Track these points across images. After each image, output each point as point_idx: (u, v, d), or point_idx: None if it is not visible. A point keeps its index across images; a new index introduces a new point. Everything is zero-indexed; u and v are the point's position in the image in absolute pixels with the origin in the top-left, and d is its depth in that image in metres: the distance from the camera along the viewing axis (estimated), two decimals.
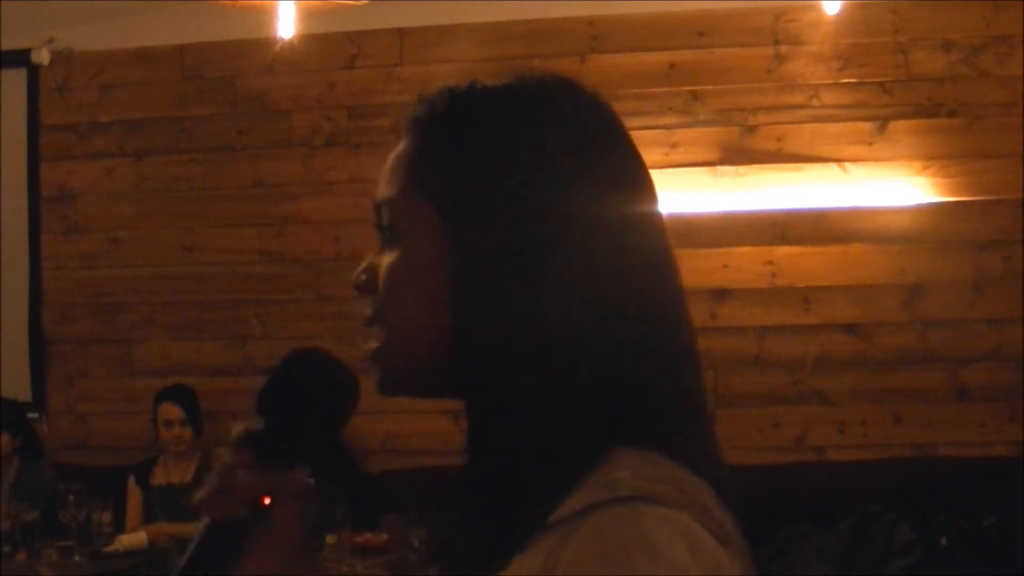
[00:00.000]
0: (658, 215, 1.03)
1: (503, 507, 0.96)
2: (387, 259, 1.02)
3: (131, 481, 5.72)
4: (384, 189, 1.04)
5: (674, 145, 5.68)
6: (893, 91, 5.72)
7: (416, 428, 5.61)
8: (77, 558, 4.95)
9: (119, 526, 5.36)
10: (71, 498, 5.02)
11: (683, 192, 5.63)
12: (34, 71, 6.35)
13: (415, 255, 1.01)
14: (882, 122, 5.72)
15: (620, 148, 1.03)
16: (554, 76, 1.06)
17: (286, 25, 5.07)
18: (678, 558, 0.86)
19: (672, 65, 5.79)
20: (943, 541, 5.06)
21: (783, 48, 5.78)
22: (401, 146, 1.05)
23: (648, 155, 1.04)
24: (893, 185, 5.68)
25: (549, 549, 0.89)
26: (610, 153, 1.02)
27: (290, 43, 5.33)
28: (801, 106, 5.77)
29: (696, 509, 0.90)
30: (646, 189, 1.03)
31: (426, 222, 1.00)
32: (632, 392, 0.95)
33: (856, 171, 5.71)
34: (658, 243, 1.02)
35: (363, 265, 1.05)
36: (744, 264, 5.70)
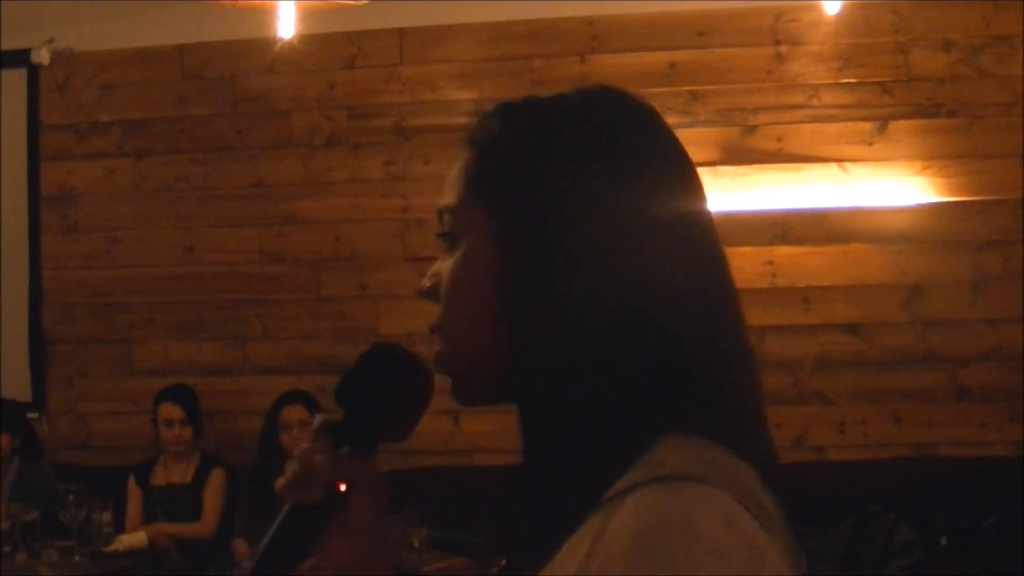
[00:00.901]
0: (707, 213, 1.07)
1: (560, 494, 0.99)
2: (447, 265, 1.09)
3: (131, 481, 5.72)
4: (445, 198, 1.10)
5: None
6: (893, 91, 5.72)
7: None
8: (77, 558, 4.95)
9: (119, 526, 5.36)
10: (71, 498, 5.02)
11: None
12: (34, 71, 6.35)
13: (472, 259, 1.06)
14: (882, 122, 5.72)
15: (672, 155, 1.07)
16: (607, 87, 1.10)
17: (286, 25, 5.07)
18: (715, 534, 0.88)
19: (672, 65, 5.79)
20: (943, 541, 5.06)
21: (783, 48, 5.78)
22: (462, 159, 1.10)
23: None
24: (893, 185, 5.68)
25: (594, 528, 0.93)
26: (662, 160, 1.06)
27: (290, 43, 5.34)
28: (801, 106, 5.77)
29: (737, 489, 0.92)
30: (695, 188, 1.07)
31: (482, 227, 1.06)
32: (680, 382, 0.99)
33: (856, 171, 5.71)
34: (707, 240, 1.06)
35: (430, 272, 1.11)
36: (744, 264, 5.69)
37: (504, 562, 1.12)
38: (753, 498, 0.93)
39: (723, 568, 0.87)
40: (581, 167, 1.03)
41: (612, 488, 0.94)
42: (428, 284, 1.10)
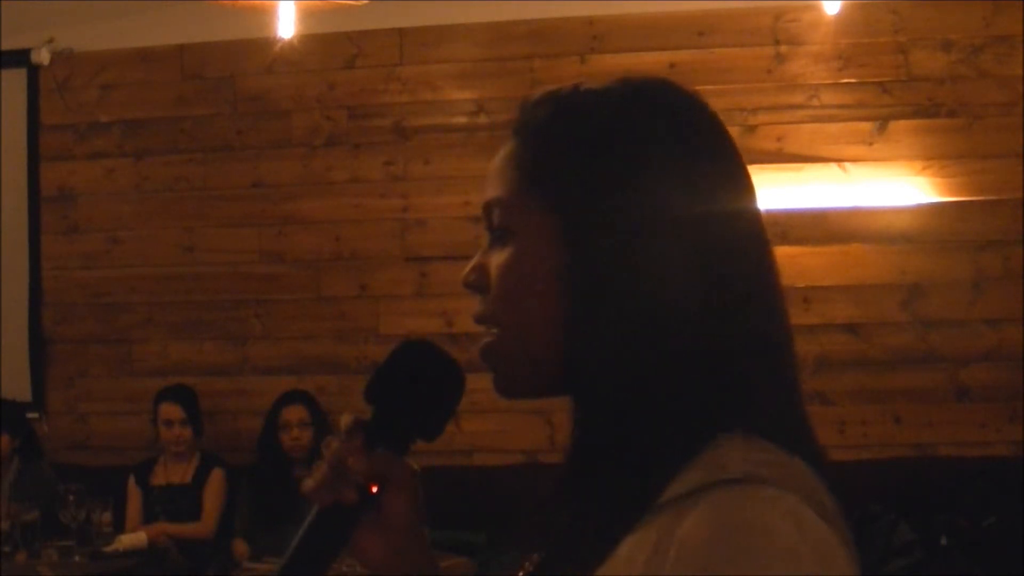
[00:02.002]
0: (758, 211, 1.06)
1: (614, 492, 0.98)
2: (499, 259, 1.05)
3: (131, 481, 5.72)
4: (494, 190, 1.07)
5: None
6: (893, 91, 5.72)
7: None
8: (77, 558, 4.95)
9: (119, 526, 5.36)
10: (71, 498, 5.02)
11: None
12: (34, 71, 6.35)
13: (529, 255, 1.03)
14: (882, 122, 5.72)
15: (724, 147, 1.06)
16: (655, 78, 1.09)
17: (286, 25, 5.07)
18: (789, 537, 0.89)
19: (672, 65, 5.79)
20: (943, 541, 5.06)
21: (783, 48, 5.78)
22: (509, 148, 1.08)
23: None
24: (893, 185, 5.68)
25: (661, 529, 0.92)
26: (716, 152, 1.05)
27: (290, 43, 5.34)
28: (801, 106, 5.77)
29: (802, 490, 0.93)
30: (749, 186, 1.06)
31: (539, 223, 1.03)
32: (736, 381, 0.99)
33: (856, 171, 5.71)
34: (760, 239, 1.05)
35: (472, 263, 1.08)
36: None
37: (537, 559, 1.09)
38: (815, 497, 0.94)
39: (797, 569, 0.88)
40: (646, 163, 1.02)
41: (671, 487, 0.94)
42: (473, 277, 1.07)
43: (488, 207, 1.07)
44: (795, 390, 1.04)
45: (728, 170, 1.05)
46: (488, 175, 1.08)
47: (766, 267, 1.05)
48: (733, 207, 1.04)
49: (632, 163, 1.01)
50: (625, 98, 1.06)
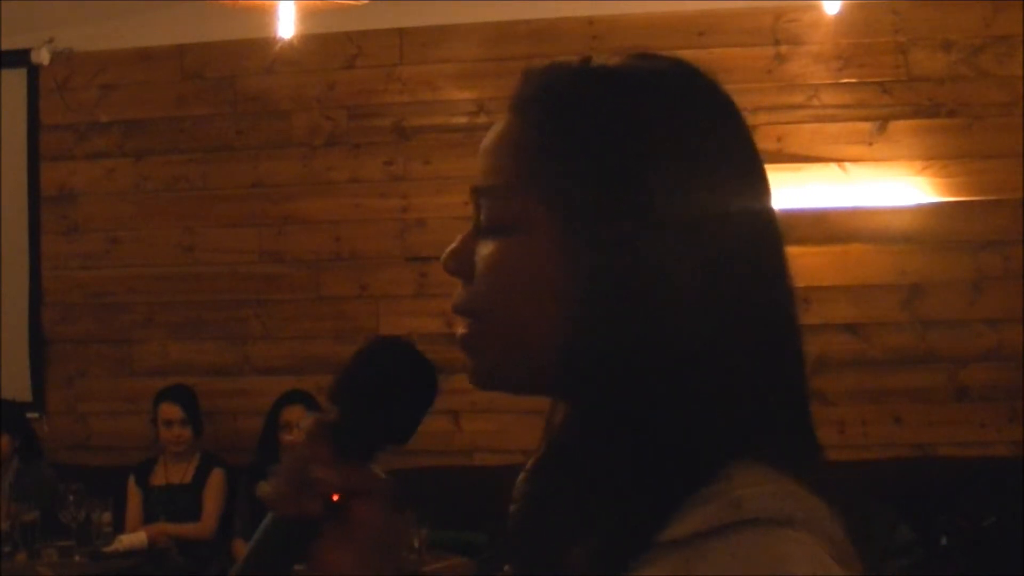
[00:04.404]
0: (774, 212, 0.99)
1: (609, 520, 0.90)
2: (490, 251, 0.96)
3: (131, 481, 5.72)
4: (487, 176, 0.97)
5: None
6: (893, 91, 5.72)
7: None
8: (77, 558, 4.95)
9: (119, 526, 5.36)
10: (71, 498, 5.02)
11: None
12: (34, 71, 6.35)
13: (527, 253, 0.94)
14: (882, 122, 5.72)
15: (742, 140, 0.97)
16: (674, 60, 0.97)
17: (286, 25, 5.07)
18: None
19: None
20: (943, 541, 5.06)
21: (783, 48, 5.79)
22: (505, 125, 0.97)
23: None
24: (893, 185, 5.68)
25: (679, 566, 0.85)
26: (734, 145, 0.96)
27: (290, 43, 5.33)
28: (801, 106, 5.77)
29: (817, 530, 0.87)
30: (765, 184, 0.99)
31: (540, 219, 0.93)
32: (748, 400, 0.91)
33: (856, 171, 5.71)
34: (775, 242, 0.98)
35: (454, 246, 0.98)
36: None
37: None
38: (828, 535, 0.88)
39: None
40: (662, 155, 0.92)
41: (679, 523, 0.86)
42: (454, 264, 0.97)
43: (479, 194, 0.97)
44: (806, 405, 0.96)
45: (745, 167, 0.97)
46: (481, 154, 0.98)
47: (780, 274, 0.98)
48: (760, 211, 0.96)
49: (646, 156, 0.91)
50: (643, 82, 0.95)
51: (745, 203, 0.95)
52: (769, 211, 0.98)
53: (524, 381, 0.98)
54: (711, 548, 0.84)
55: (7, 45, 6.22)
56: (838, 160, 5.72)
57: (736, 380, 0.91)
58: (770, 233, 0.98)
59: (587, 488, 0.93)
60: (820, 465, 0.94)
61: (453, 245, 0.98)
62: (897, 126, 5.71)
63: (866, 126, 5.72)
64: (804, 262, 5.69)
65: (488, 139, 0.98)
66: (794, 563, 0.83)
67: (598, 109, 0.93)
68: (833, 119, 5.74)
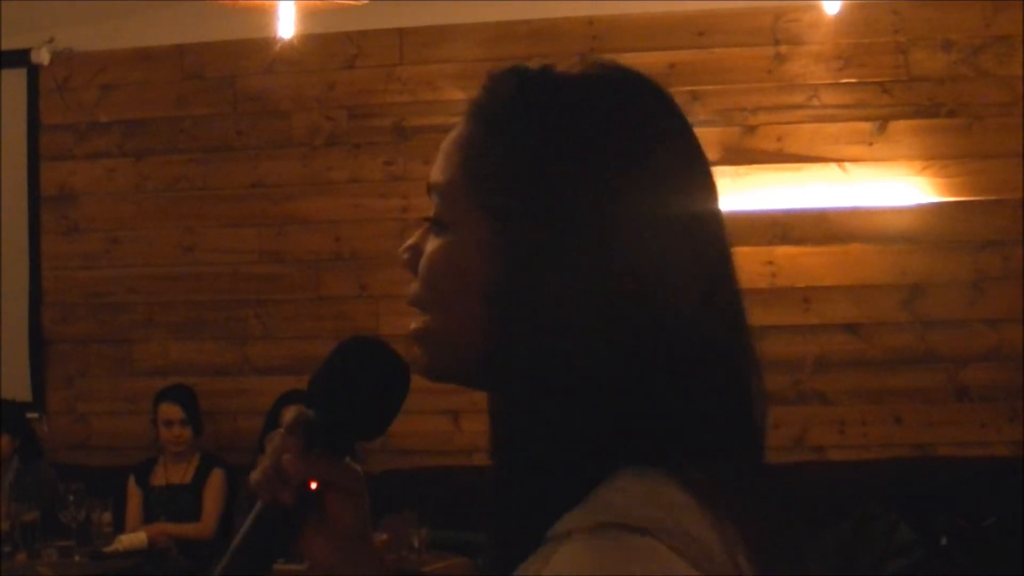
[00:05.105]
0: (717, 216, 1.00)
1: (513, 514, 0.96)
2: (430, 247, 1.00)
3: (131, 481, 5.72)
4: (436, 173, 1.01)
5: None
6: (893, 91, 5.72)
7: (416, 428, 5.60)
8: (77, 558, 4.96)
9: (119, 526, 5.36)
10: (71, 498, 5.03)
11: None
12: (34, 71, 6.35)
13: (458, 252, 0.98)
14: (882, 122, 5.72)
15: (682, 147, 1.00)
16: (626, 70, 1.00)
17: (286, 25, 5.07)
18: None
19: (672, 65, 5.79)
20: (943, 541, 5.06)
21: (783, 48, 5.78)
22: (459, 129, 1.01)
23: None
24: (893, 185, 5.68)
25: (537, 566, 0.88)
26: (673, 153, 0.98)
27: (290, 43, 5.33)
28: (801, 106, 5.77)
29: (680, 538, 0.87)
30: (708, 189, 1.00)
31: (474, 217, 0.97)
32: (658, 407, 0.93)
33: (856, 171, 5.71)
34: (715, 246, 0.99)
35: (411, 241, 1.03)
36: (744, 264, 5.54)
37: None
38: (696, 547, 0.87)
39: None
40: (592, 166, 0.94)
41: (562, 521, 0.89)
42: (406, 256, 1.02)
43: (428, 190, 1.01)
44: (743, 406, 0.97)
45: (684, 175, 0.98)
46: (439, 153, 1.02)
47: (718, 277, 0.99)
48: (694, 216, 0.97)
49: (574, 162, 0.94)
50: (583, 89, 0.98)
51: (684, 207, 0.96)
52: (710, 214, 0.99)
53: (459, 374, 1.02)
54: (563, 548, 0.87)
55: (7, 45, 6.22)
56: (838, 160, 5.72)
57: (648, 387, 0.92)
58: (708, 236, 0.99)
59: (500, 487, 0.99)
60: (745, 469, 0.95)
61: (411, 240, 1.03)
62: (897, 126, 5.71)
63: (866, 126, 5.72)
64: (804, 262, 5.70)
65: (446, 140, 1.02)
66: (634, 568, 0.85)
67: (533, 114, 0.97)
68: (833, 119, 5.74)
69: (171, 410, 5.71)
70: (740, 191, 5.71)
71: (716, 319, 0.97)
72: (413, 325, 1.02)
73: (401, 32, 6.07)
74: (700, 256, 0.97)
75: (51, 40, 6.30)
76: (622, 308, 0.93)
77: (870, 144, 5.71)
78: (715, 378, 0.96)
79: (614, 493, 0.90)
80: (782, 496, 0.98)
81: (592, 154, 0.95)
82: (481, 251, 0.96)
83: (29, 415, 5.99)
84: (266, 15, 5.15)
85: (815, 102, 5.76)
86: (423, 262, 1.00)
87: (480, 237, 0.96)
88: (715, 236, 1.00)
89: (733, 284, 1.01)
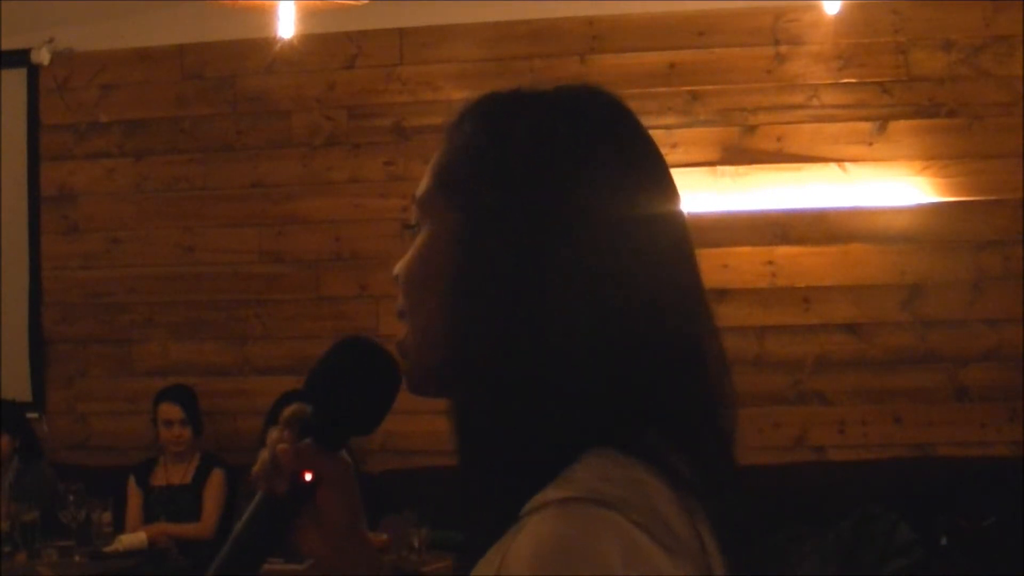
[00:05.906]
0: (675, 215, 1.05)
1: (484, 501, 1.00)
2: (408, 254, 1.07)
3: (131, 481, 5.72)
4: (419, 189, 1.08)
5: (674, 145, 5.68)
6: (893, 91, 5.72)
7: (416, 428, 5.59)
8: (77, 558, 4.95)
9: (119, 526, 5.36)
10: (71, 498, 5.02)
11: (683, 192, 5.60)
12: (34, 71, 6.35)
13: (429, 252, 1.04)
14: (882, 122, 5.72)
15: (636, 148, 1.05)
16: (590, 87, 1.07)
17: (286, 25, 5.07)
18: (609, 560, 0.87)
19: (672, 65, 5.79)
20: (943, 541, 5.06)
21: (783, 48, 5.78)
22: (439, 148, 1.09)
23: None
24: (893, 185, 5.68)
25: (507, 542, 0.92)
26: (624, 153, 1.03)
27: (290, 43, 5.34)
28: (801, 106, 5.77)
29: (644, 514, 0.90)
30: (663, 189, 1.05)
31: (443, 220, 1.03)
32: (621, 394, 0.97)
33: (856, 171, 5.71)
34: (671, 244, 1.03)
35: (403, 259, 1.08)
36: (744, 264, 5.70)
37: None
38: (662, 524, 0.91)
39: None
40: (547, 165, 1.00)
41: (533, 498, 0.93)
42: (395, 272, 1.09)
43: (411, 204, 1.09)
44: (701, 402, 1.01)
45: (639, 173, 1.03)
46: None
47: (677, 274, 1.02)
48: (639, 211, 1.01)
49: (529, 163, 1.00)
50: (546, 103, 1.05)
51: (635, 206, 1.01)
52: (665, 213, 1.04)
53: (433, 383, 1.05)
54: (530, 521, 0.91)
55: (7, 45, 6.22)
56: (838, 160, 5.72)
57: (610, 375, 0.96)
58: (664, 234, 1.03)
59: (470, 478, 1.02)
60: (711, 461, 1.00)
61: (403, 258, 1.09)
62: (897, 126, 5.71)
63: (866, 126, 5.72)
64: (804, 262, 5.70)
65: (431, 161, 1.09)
66: (598, 538, 0.88)
67: (498, 126, 1.03)
68: (833, 119, 5.74)
69: (171, 410, 5.71)
70: (740, 191, 5.72)
71: (673, 311, 1.00)
72: (400, 337, 1.07)
73: (401, 32, 6.07)
74: (653, 252, 1.01)
75: (51, 40, 6.30)
76: (576, 297, 0.97)
77: (870, 144, 5.71)
78: (672, 368, 0.99)
79: (583, 471, 0.93)
80: (751, 492, 1.02)
81: (548, 157, 1.01)
82: (449, 246, 1.02)
83: (29, 415, 5.99)
84: (266, 15, 5.16)
85: (815, 102, 5.76)
86: (400, 264, 1.07)
87: (448, 234, 1.02)
88: (670, 233, 1.04)
89: (693, 281, 1.04)
